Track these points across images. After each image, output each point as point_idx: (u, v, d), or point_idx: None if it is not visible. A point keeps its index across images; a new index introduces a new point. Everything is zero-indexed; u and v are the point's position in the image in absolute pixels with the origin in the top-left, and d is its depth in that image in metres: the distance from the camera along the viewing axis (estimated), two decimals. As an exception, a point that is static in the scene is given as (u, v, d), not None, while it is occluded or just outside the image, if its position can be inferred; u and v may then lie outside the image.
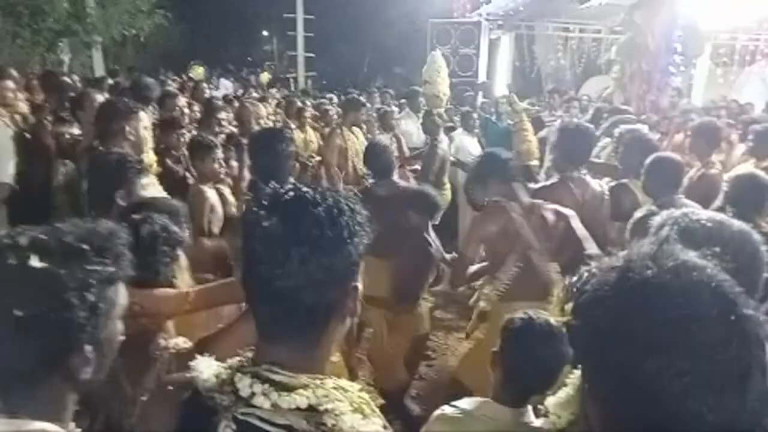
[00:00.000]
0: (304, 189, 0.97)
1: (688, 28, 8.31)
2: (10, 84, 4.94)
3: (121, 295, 1.05)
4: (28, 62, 9.80)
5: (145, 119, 4.00)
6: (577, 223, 2.88)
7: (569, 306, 0.87)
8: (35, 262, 0.92)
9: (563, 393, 1.52)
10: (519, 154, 5.26)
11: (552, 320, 1.85)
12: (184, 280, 1.87)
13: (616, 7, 9.27)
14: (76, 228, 1.00)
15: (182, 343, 1.68)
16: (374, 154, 3.56)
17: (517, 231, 2.79)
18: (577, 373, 1.52)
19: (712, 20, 9.16)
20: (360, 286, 1.01)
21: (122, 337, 1.08)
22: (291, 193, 0.96)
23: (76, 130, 4.06)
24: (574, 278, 0.89)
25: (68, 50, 11.49)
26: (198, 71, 12.41)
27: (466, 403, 1.81)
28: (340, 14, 20.97)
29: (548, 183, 3.48)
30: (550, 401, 1.51)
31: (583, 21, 11.58)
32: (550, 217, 2.87)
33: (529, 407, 1.76)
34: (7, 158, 3.49)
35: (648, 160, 3.09)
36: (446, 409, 1.81)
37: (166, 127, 4.68)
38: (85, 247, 0.97)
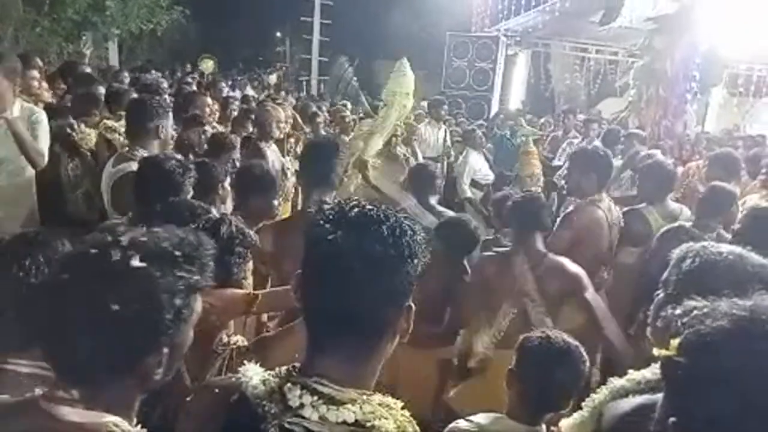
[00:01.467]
0: (369, 206, 0.98)
1: (708, 56, 8.34)
2: (35, 73, 4.92)
3: (199, 303, 1.07)
4: (46, 51, 9.80)
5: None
6: (591, 296, 2.69)
7: (674, 342, 0.91)
8: (136, 262, 0.95)
9: (578, 415, 1.53)
10: (522, 179, 5.24)
11: (569, 339, 1.86)
12: (249, 283, 1.91)
13: (635, 30, 9.31)
14: (170, 234, 1.03)
15: (241, 341, 1.71)
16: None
17: (515, 279, 2.67)
18: (595, 396, 1.52)
19: (731, 49, 9.19)
20: (413, 306, 1.02)
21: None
22: (356, 209, 0.97)
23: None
24: (677, 311, 0.95)
25: (91, 43, 11.53)
26: (208, 65, 12.42)
27: (481, 417, 1.83)
28: (357, 20, 21.04)
29: (574, 208, 3.44)
30: (565, 424, 1.51)
31: (601, 42, 11.63)
32: (557, 270, 2.70)
33: (543, 426, 1.77)
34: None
35: (707, 187, 3.20)
36: (460, 423, 1.82)
37: (188, 123, 4.66)
38: (177, 253, 1.00)
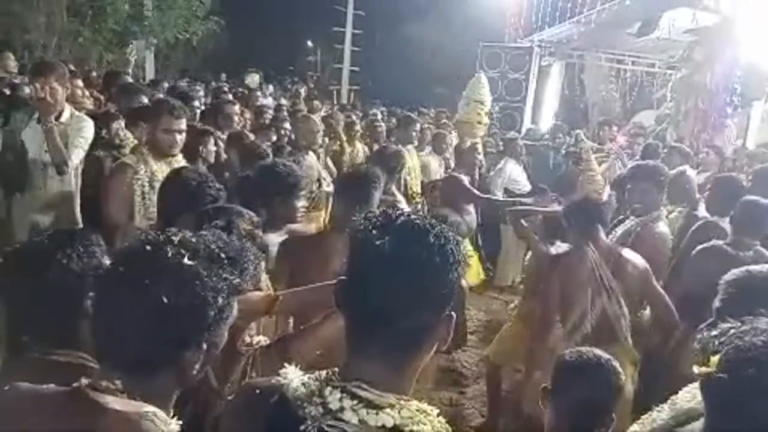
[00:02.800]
0: (413, 214, 1.02)
1: (750, 69, 8.13)
2: (79, 82, 5.11)
3: (236, 307, 1.11)
4: (87, 60, 10.10)
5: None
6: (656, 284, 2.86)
7: (714, 359, 0.97)
8: (187, 259, 1.01)
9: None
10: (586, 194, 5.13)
11: (600, 353, 1.84)
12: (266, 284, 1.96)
13: (674, 42, 9.14)
14: (216, 237, 1.10)
15: (263, 341, 1.76)
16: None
17: (593, 275, 2.74)
18: (656, 415, 1.46)
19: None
20: (454, 315, 1.03)
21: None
22: (402, 217, 1.01)
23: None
24: (713, 333, 1.02)
25: (136, 52, 11.85)
26: (254, 78, 12.58)
27: None
28: (389, 30, 21.16)
29: (632, 225, 3.40)
30: None
31: (638, 54, 11.44)
32: (628, 263, 2.82)
33: None
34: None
35: (741, 201, 3.12)
36: None
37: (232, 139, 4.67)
38: (222, 255, 1.06)
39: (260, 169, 2.82)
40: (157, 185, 2.81)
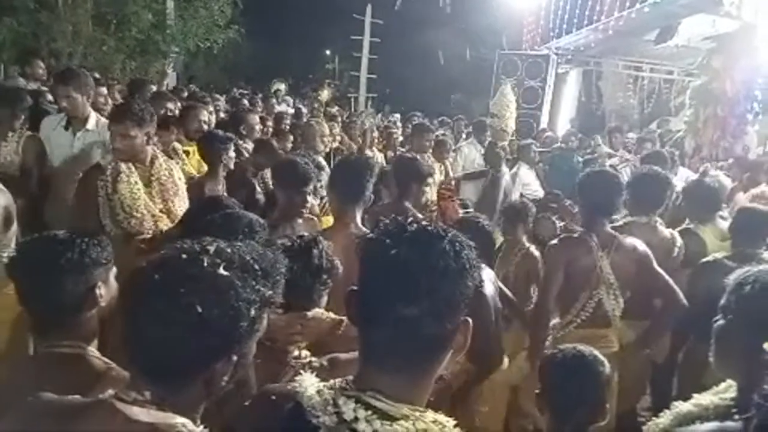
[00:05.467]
0: (425, 222, 1.01)
1: (771, 76, 8.02)
2: (103, 90, 5.24)
3: (266, 320, 1.09)
4: (110, 68, 10.33)
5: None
6: (657, 268, 2.82)
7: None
8: (222, 270, 1.00)
9: None
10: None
11: (582, 347, 1.85)
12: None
13: (692, 49, 9.06)
14: (250, 248, 1.08)
15: (313, 357, 1.73)
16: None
17: (594, 264, 2.72)
18: (660, 420, 1.49)
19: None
20: (470, 321, 1.02)
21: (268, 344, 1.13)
22: (415, 225, 1.00)
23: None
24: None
25: (171, 60, 12.12)
26: (280, 88, 12.70)
27: None
28: (407, 38, 21.21)
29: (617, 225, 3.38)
30: None
31: (656, 61, 11.35)
32: (628, 252, 2.79)
33: None
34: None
35: (737, 210, 3.09)
36: None
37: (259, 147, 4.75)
38: (257, 267, 1.04)
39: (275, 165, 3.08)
40: (121, 186, 2.73)
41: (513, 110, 6.91)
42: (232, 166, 3.83)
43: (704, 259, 3.05)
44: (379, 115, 13.15)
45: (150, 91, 5.63)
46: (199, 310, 0.96)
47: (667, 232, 3.36)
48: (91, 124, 3.41)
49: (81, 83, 3.33)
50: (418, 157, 4.85)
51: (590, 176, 2.91)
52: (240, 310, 0.99)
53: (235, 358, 1.03)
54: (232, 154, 3.78)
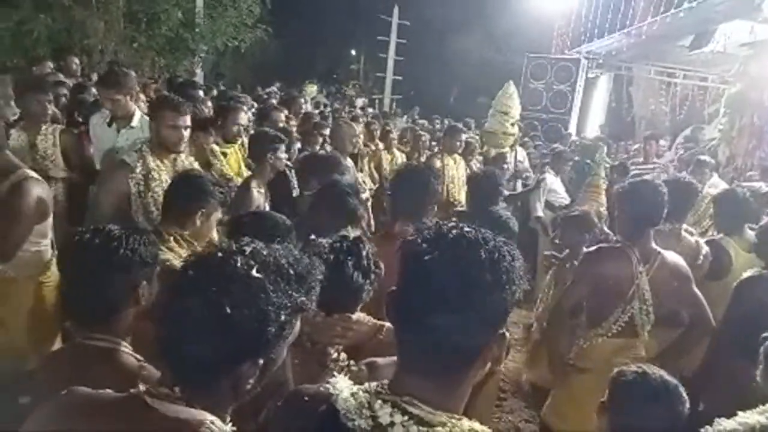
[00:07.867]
0: (467, 228, 0.98)
1: (811, 85, 7.79)
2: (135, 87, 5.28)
3: (298, 326, 1.08)
4: (140, 65, 10.48)
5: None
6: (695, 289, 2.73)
7: None
8: (255, 271, 0.99)
9: None
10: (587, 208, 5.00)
11: (667, 377, 1.75)
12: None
13: (728, 56, 8.84)
14: (287, 252, 1.06)
15: (351, 361, 1.72)
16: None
17: (632, 279, 2.62)
18: None
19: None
20: (508, 334, 1.00)
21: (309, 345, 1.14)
22: (455, 231, 0.97)
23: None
24: None
25: (200, 59, 12.26)
26: (312, 89, 12.72)
27: None
28: (433, 40, 21.17)
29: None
30: None
31: (689, 67, 11.12)
32: (671, 270, 2.70)
33: None
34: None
35: (763, 223, 3.00)
36: None
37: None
38: (291, 272, 1.03)
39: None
40: (153, 183, 2.79)
41: (518, 106, 6.67)
42: (281, 167, 3.61)
43: (747, 275, 2.94)
44: (405, 117, 13.11)
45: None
46: (228, 310, 0.95)
47: (692, 240, 3.30)
48: (135, 121, 3.47)
49: (124, 85, 3.39)
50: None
51: (635, 186, 2.76)
52: (269, 314, 0.98)
53: (261, 361, 1.01)
54: (281, 155, 3.54)
